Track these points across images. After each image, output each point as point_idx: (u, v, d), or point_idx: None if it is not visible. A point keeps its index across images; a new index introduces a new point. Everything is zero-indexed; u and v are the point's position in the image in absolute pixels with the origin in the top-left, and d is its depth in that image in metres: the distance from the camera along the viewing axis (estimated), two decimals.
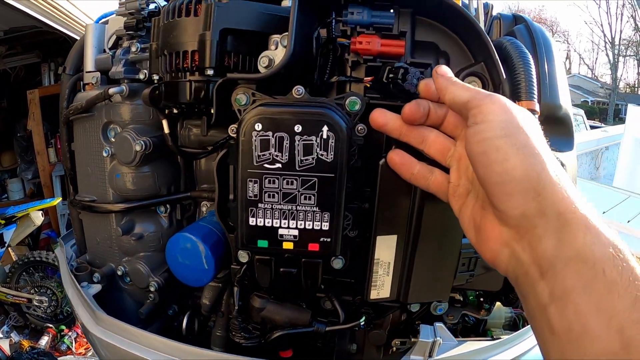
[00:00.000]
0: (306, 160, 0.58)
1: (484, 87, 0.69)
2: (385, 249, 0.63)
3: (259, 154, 0.58)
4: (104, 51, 0.92)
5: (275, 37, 0.65)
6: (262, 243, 0.61)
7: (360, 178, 0.63)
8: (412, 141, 0.56)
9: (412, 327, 0.75)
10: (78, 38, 1.02)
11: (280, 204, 0.59)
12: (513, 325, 0.85)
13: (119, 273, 0.89)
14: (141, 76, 0.83)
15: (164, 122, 0.77)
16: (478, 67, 0.68)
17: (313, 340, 0.76)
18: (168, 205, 0.87)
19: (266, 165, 0.58)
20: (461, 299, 0.78)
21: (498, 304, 0.82)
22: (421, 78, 0.61)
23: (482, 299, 0.79)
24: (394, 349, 0.76)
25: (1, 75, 4.87)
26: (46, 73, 4.77)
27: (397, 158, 0.58)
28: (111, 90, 0.80)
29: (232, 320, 0.72)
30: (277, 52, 0.64)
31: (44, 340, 3.15)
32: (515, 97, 0.68)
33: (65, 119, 0.91)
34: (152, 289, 0.85)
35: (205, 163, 0.86)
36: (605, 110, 19.25)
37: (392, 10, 0.65)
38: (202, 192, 0.85)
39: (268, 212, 0.59)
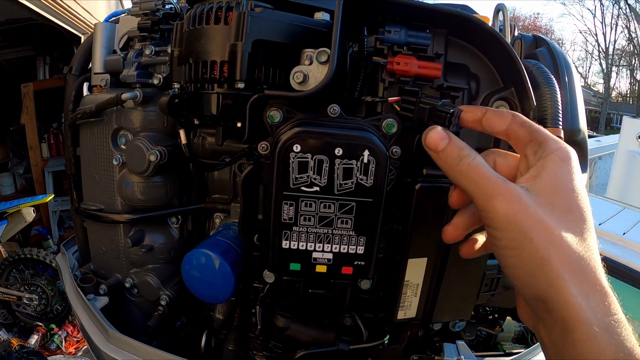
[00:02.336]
0: (345, 184, 0.57)
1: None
2: (415, 271, 0.62)
3: (297, 176, 0.56)
4: (114, 52, 0.88)
5: (309, 52, 0.63)
6: (295, 266, 0.60)
7: (393, 199, 0.62)
8: None
9: (430, 342, 0.75)
10: (74, 32, 0.96)
11: (316, 227, 0.58)
12: (522, 339, 0.88)
13: (127, 285, 0.86)
14: (155, 81, 0.79)
15: (181, 132, 0.74)
16: (508, 93, 0.69)
17: (335, 359, 0.75)
18: (179, 216, 0.85)
19: (303, 188, 0.57)
20: (476, 315, 0.80)
21: (508, 318, 0.83)
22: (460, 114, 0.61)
23: (495, 315, 0.80)
24: None
25: None
26: (41, 67, 4.63)
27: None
28: (124, 96, 0.77)
29: (254, 339, 0.70)
30: (311, 67, 0.62)
31: (34, 339, 3.08)
32: (541, 123, 0.69)
33: (72, 123, 0.86)
34: (162, 302, 0.82)
35: (217, 173, 0.83)
36: (597, 119, 19.67)
37: (427, 31, 0.64)
38: (215, 203, 0.82)
39: (302, 235, 0.58)
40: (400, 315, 0.66)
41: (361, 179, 0.56)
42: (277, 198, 0.57)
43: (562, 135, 0.69)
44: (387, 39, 0.62)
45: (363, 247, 0.59)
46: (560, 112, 0.70)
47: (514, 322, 0.84)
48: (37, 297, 3.18)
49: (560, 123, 0.69)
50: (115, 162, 0.80)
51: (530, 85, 0.67)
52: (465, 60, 0.69)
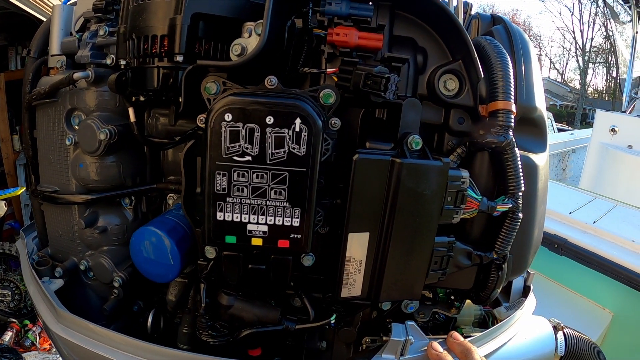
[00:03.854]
0: (277, 153, 0.56)
1: (460, 85, 0.68)
2: (357, 246, 0.61)
3: (228, 145, 0.56)
4: (71, 34, 0.88)
5: (249, 25, 0.62)
6: (230, 239, 0.59)
7: (333, 173, 0.61)
8: None
9: (383, 324, 0.74)
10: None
11: (249, 198, 0.57)
12: (482, 323, 0.86)
13: (82, 268, 0.85)
14: (108, 61, 0.79)
15: (130, 110, 0.74)
16: (456, 65, 0.68)
17: (282, 338, 0.74)
18: (133, 197, 0.84)
19: (235, 158, 0.56)
20: (431, 297, 0.78)
21: (468, 301, 0.81)
22: (398, 81, 0.60)
23: (452, 297, 0.78)
24: (364, 346, 0.75)
25: None
26: (13, 57, 4.59)
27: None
28: (76, 75, 0.76)
29: (199, 318, 0.69)
30: (250, 40, 0.61)
31: (8, 336, 3.03)
32: (492, 96, 0.68)
33: (28, 105, 0.86)
34: (116, 284, 0.81)
35: (172, 154, 0.83)
36: (573, 114, 19.92)
37: (371, 3, 0.63)
38: (168, 184, 0.81)
39: (236, 206, 0.57)
40: (345, 292, 0.65)
41: (293, 148, 0.55)
42: (210, 168, 0.57)
43: (514, 109, 0.68)
44: (327, 10, 0.61)
45: (298, 220, 0.58)
46: (512, 86, 0.69)
47: (474, 306, 0.82)
48: (10, 292, 3.12)
49: (512, 96, 0.68)
50: (67, 142, 0.80)
51: (477, 57, 0.66)
52: (413, 34, 0.68)
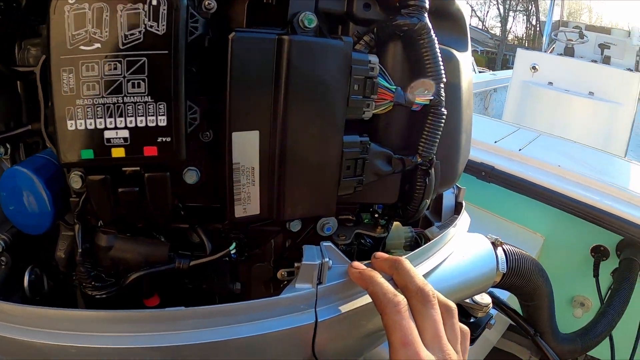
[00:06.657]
0: (132, 35, 0.45)
1: None
2: (246, 149, 0.51)
3: (73, 33, 0.45)
4: None
5: None
6: (87, 153, 0.48)
7: (210, 63, 0.51)
8: None
9: (299, 253, 0.65)
10: None
11: (102, 97, 0.46)
12: (415, 246, 0.79)
13: None
14: None
15: None
16: None
17: (178, 280, 0.63)
18: (9, 145, 0.71)
19: (82, 47, 0.45)
20: (353, 219, 0.69)
21: (396, 223, 0.74)
22: None
23: (376, 215, 0.70)
24: (285, 282, 0.66)
25: None
26: None
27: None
28: None
29: (78, 267, 0.58)
30: None
31: None
32: None
33: None
34: None
35: None
36: (494, 59, 21.05)
37: None
38: None
39: (89, 109, 0.46)
40: (239, 211, 0.55)
41: (150, 26, 0.45)
42: (54, 65, 0.46)
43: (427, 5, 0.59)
44: None
45: (165, 117, 0.47)
46: None
47: (404, 228, 0.76)
48: None
49: None
50: None
51: None
52: None
